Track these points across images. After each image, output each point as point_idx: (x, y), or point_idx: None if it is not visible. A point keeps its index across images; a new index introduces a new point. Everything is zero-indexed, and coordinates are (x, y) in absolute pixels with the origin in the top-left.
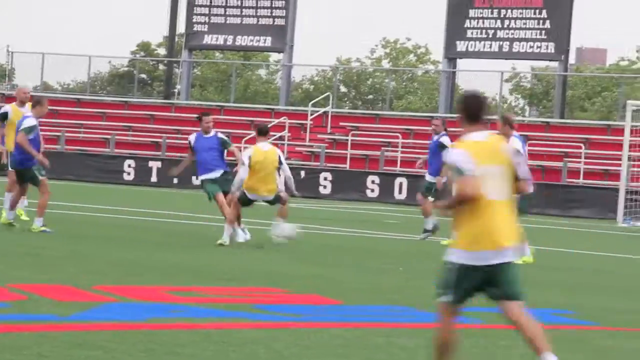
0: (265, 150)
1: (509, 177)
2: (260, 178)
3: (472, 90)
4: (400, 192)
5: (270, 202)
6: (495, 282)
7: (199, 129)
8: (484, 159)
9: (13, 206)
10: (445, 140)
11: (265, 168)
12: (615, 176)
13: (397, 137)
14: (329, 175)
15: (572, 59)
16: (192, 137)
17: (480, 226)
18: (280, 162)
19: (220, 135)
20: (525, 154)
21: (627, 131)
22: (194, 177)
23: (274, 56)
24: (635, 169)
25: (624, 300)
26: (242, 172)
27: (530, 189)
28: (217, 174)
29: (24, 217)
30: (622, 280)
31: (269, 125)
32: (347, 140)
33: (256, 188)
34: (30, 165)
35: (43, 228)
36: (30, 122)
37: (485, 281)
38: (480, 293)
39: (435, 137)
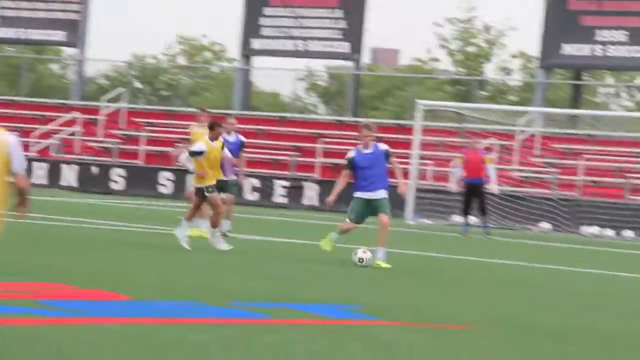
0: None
1: (3, 168)
2: None
3: None
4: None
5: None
6: None
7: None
8: None
9: None
10: (243, 138)
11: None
12: (405, 174)
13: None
14: (121, 171)
15: (366, 59)
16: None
17: None
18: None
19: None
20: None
21: (416, 130)
22: None
23: (68, 51)
24: (424, 167)
25: (406, 296)
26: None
27: (25, 184)
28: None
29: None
30: (407, 277)
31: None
32: (141, 136)
33: None
34: None
35: None
36: None
37: None
38: None
39: (231, 137)
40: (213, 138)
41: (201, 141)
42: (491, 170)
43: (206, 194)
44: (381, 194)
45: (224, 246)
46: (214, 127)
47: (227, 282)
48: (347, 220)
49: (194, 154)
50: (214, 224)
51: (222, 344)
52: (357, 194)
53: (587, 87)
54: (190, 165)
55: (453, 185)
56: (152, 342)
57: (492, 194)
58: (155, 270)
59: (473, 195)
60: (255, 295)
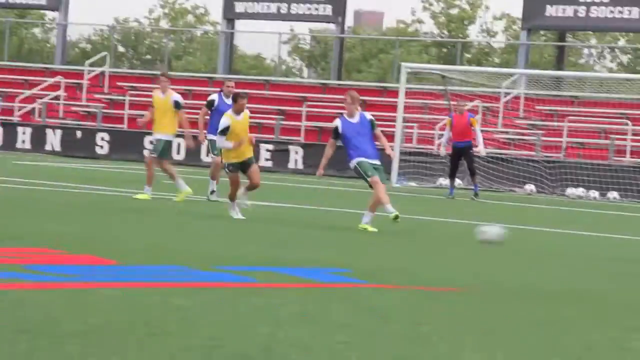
0: None
1: None
2: None
3: None
4: (178, 153)
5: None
6: None
7: None
8: None
9: None
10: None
11: None
12: (390, 137)
13: None
14: (105, 136)
15: (349, 22)
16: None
17: None
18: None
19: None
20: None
21: (401, 93)
22: None
23: (50, 15)
24: (409, 130)
25: (395, 259)
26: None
27: None
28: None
29: None
30: (396, 241)
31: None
32: (125, 100)
33: None
34: None
35: None
36: None
37: None
38: None
39: (229, 100)
40: (237, 111)
41: (225, 116)
42: (478, 132)
43: (226, 171)
44: (377, 161)
45: (238, 215)
46: (236, 99)
47: (213, 246)
48: (369, 178)
49: (221, 132)
50: (231, 198)
51: (207, 307)
52: (358, 159)
53: (571, 49)
54: (227, 144)
55: (442, 148)
56: (136, 306)
57: (479, 156)
58: (140, 235)
59: (460, 158)
60: (242, 260)
